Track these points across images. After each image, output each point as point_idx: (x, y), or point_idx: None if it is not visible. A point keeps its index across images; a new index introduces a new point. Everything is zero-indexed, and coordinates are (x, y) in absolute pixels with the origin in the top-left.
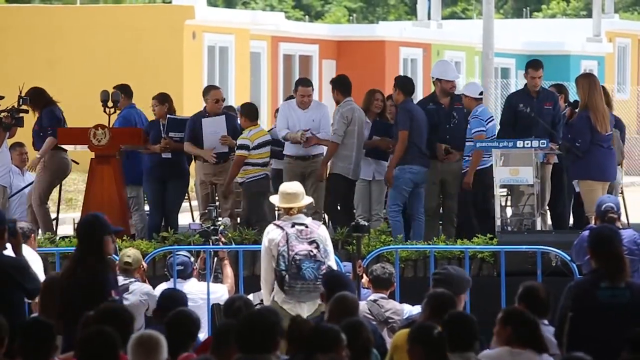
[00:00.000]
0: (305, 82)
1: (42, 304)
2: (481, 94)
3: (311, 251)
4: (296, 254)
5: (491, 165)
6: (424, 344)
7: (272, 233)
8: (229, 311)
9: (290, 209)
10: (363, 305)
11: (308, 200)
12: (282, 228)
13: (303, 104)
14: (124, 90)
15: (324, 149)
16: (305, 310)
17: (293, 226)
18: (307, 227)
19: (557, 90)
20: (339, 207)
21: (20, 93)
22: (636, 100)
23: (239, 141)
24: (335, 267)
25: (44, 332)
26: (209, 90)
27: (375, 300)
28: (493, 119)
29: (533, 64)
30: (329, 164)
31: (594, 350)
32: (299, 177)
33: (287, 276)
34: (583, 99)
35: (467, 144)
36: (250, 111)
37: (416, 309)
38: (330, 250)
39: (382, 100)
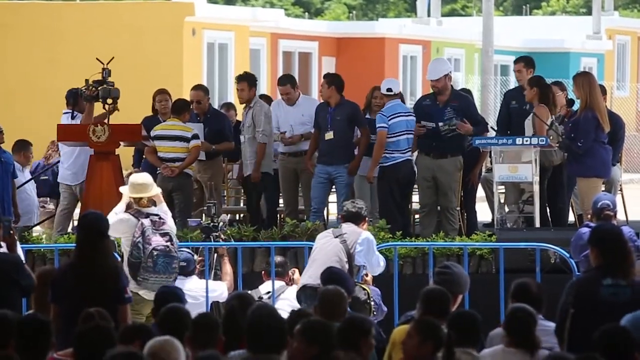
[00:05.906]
0: (281, 80)
1: (38, 300)
2: (389, 90)
3: (167, 246)
4: (154, 248)
5: (403, 160)
6: (434, 339)
7: (126, 219)
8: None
9: (140, 199)
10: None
11: (157, 190)
12: (137, 218)
13: (289, 100)
14: None
15: None
16: None
17: (147, 217)
18: (160, 218)
19: (558, 88)
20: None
21: (104, 65)
22: (635, 98)
23: None
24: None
25: (40, 328)
26: (191, 89)
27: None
28: (399, 115)
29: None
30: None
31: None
32: (292, 173)
33: (141, 269)
34: (584, 98)
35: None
36: (174, 106)
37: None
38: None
39: (381, 98)
